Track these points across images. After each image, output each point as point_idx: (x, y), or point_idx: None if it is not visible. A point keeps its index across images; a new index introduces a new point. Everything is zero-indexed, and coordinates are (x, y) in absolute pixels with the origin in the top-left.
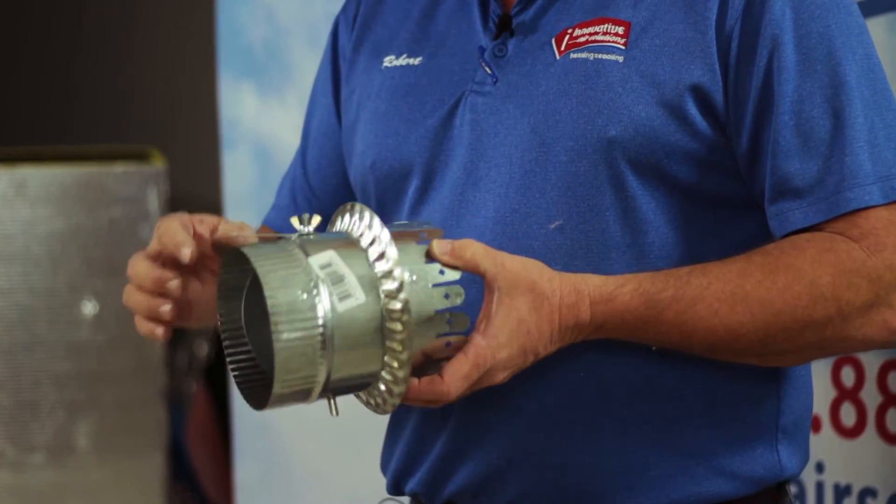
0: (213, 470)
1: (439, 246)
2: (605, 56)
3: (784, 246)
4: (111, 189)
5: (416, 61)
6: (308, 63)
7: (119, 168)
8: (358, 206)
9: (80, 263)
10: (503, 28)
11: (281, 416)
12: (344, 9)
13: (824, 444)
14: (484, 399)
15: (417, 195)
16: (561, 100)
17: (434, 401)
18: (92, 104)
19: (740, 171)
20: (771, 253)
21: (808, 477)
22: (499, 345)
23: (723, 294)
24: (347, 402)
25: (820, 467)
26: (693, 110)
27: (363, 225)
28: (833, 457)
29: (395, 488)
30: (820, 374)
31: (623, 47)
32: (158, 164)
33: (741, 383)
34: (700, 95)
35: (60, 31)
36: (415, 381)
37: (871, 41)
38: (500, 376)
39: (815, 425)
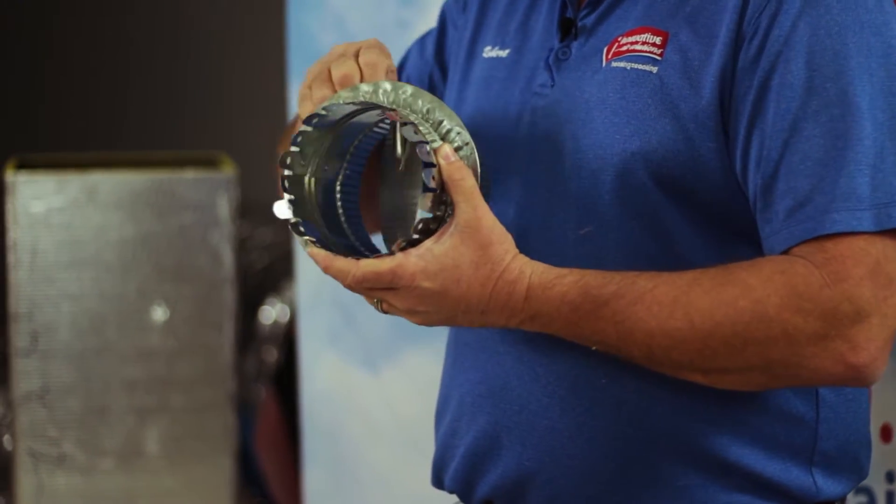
0: (282, 476)
1: (448, 154)
2: (640, 66)
3: (745, 263)
4: (182, 195)
5: (505, 53)
6: None
7: (189, 174)
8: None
9: (151, 269)
10: (566, 31)
11: (350, 423)
12: None
13: (895, 453)
14: (511, 400)
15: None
16: (597, 108)
17: (338, 274)
18: (162, 110)
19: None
20: (728, 267)
21: (878, 486)
22: (425, 271)
23: (665, 298)
24: (418, 408)
25: (891, 477)
26: (706, 131)
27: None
28: None
29: (437, 480)
30: (891, 381)
31: (658, 58)
32: (229, 171)
33: (771, 402)
34: (710, 115)
35: (132, 37)
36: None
37: None
38: (411, 306)
39: (886, 434)
